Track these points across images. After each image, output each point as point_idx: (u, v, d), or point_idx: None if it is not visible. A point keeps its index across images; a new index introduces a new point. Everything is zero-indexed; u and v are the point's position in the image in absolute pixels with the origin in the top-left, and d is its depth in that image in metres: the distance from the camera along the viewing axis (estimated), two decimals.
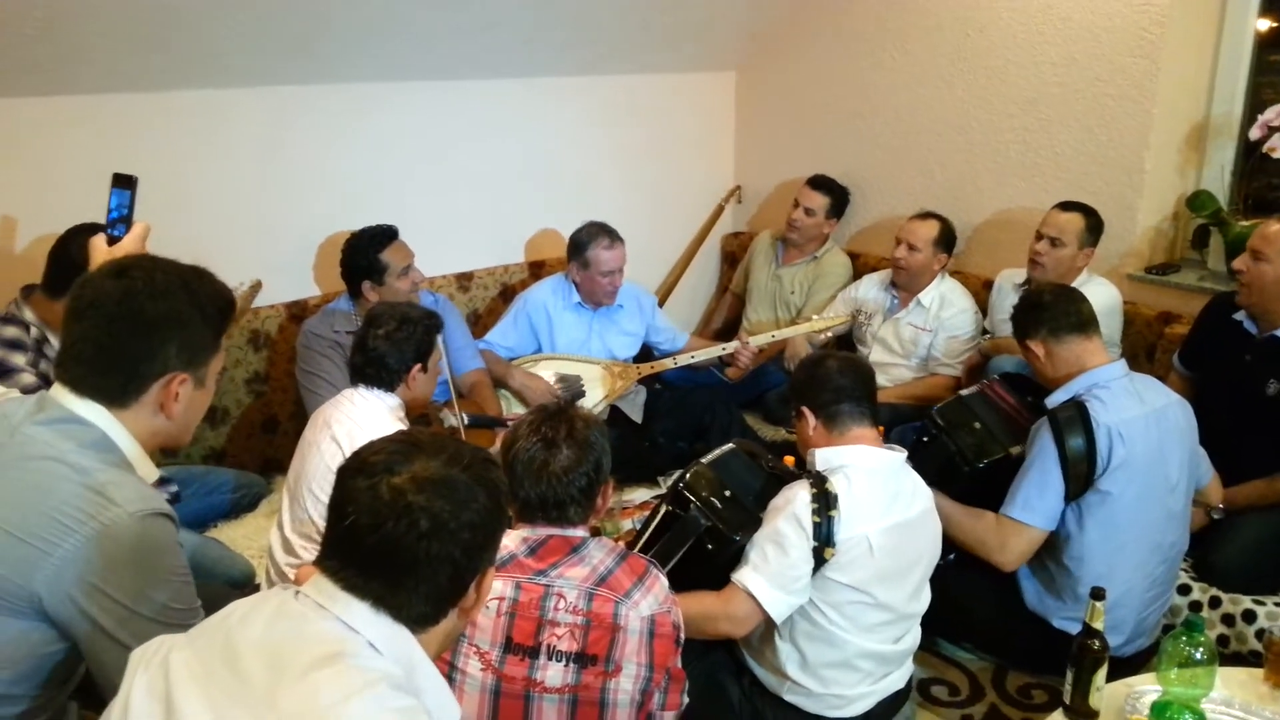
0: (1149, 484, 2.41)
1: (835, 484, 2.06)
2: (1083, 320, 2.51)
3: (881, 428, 2.55)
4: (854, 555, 2.05)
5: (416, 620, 1.19)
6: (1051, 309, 2.52)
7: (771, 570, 2.04)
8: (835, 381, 2.18)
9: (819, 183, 4.15)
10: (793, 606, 2.07)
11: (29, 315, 2.56)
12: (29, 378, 2.48)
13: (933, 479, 2.29)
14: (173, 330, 1.48)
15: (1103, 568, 2.40)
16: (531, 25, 3.63)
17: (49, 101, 2.92)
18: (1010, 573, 2.52)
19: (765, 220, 4.72)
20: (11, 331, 2.53)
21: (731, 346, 3.71)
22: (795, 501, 2.05)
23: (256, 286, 3.23)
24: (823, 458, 2.16)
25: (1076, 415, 2.40)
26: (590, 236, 3.55)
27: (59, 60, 2.80)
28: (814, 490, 2.05)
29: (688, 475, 2.26)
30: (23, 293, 2.61)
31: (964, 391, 2.90)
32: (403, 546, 1.15)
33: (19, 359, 2.50)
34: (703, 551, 2.19)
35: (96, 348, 1.46)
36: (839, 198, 4.18)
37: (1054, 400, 2.50)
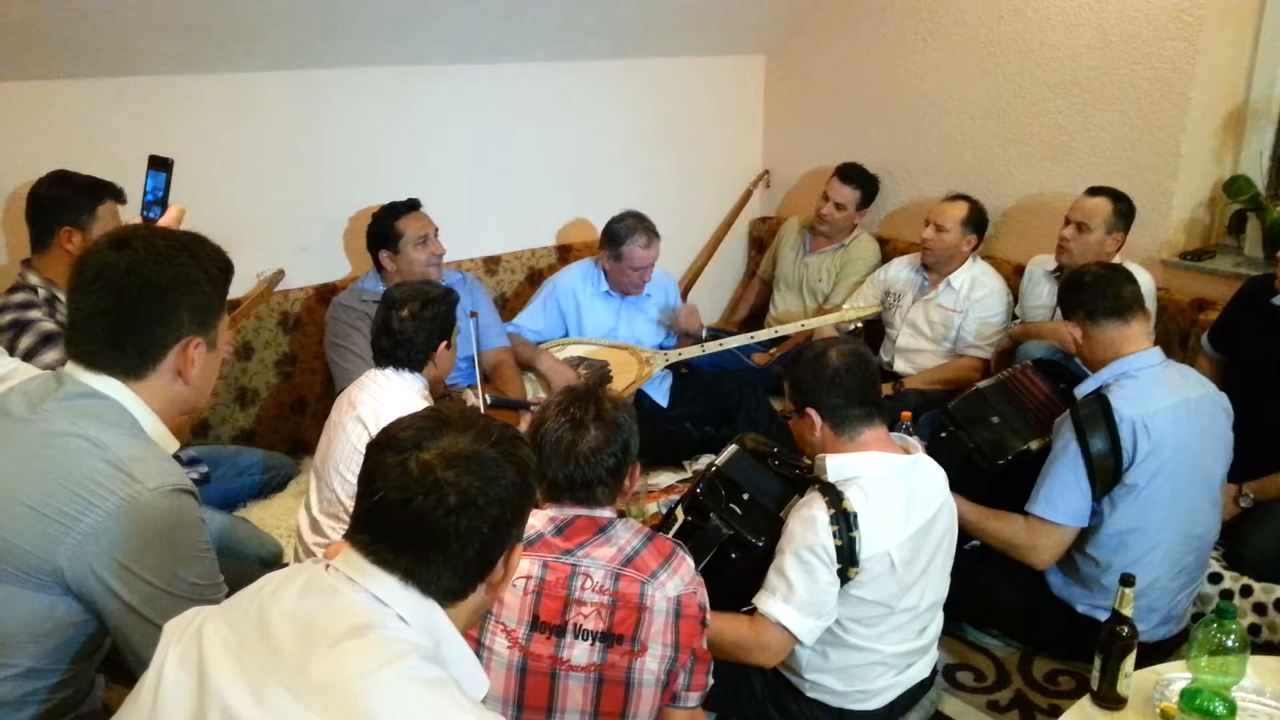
0: (1179, 476, 2.37)
1: (852, 500, 2.00)
2: (1122, 305, 2.43)
3: (909, 414, 2.54)
4: (876, 572, 2.02)
5: (444, 594, 1.19)
6: (1090, 290, 2.45)
7: (800, 599, 2.00)
8: (844, 383, 2.07)
9: (849, 175, 4.10)
10: (823, 629, 2.05)
11: (34, 279, 2.61)
12: (48, 324, 2.52)
13: (953, 477, 2.24)
14: (183, 294, 1.48)
15: (1130, 557, 2.37)
16: (561, 9, 3.63)
17: (83, 84, 2.95)
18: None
19: (794, 205, 4.70)
20: (20, 296, 2.58)
21: (762, 334, 3.70)
22: (816, 525, 1.98)
23: (279, 275, 3.26)
24: (834, 468, 2.08)
25: (1099, 411, 2.35)
26: (629, 231, 3.52)
27: (94, 43, 2.83)
28: (831, 511, 1.99)
29: (702, 484, 2.22)
30: (23, 264, 2.65)
31: (981, 384, 2.86)
32: (431, 521, 1.15)
33: (33, 313, 2.54)
34: (726, 559, 2.17)
35: (110, 320, 1.46)
36: (869, 189, 4.13)
37: (1082, 390, 2.46)
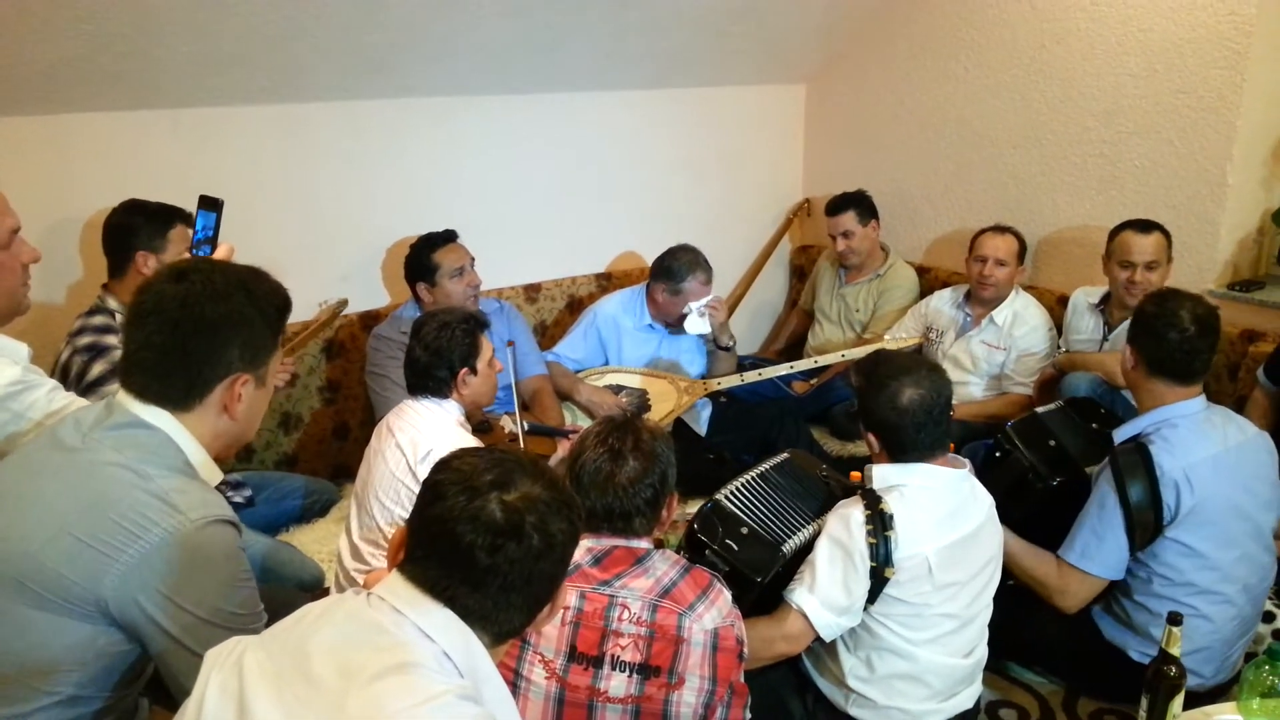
0: (1227, 528, 2.30)
1: (890, 503, 2.03)
2: (1192, 374, 2.34)
3: (952, 444, 2.52)
4: (914, 575, 2.03)
5: (507, 634, 1.22)
6: (1173, 349, 2.31)
7: (824, 592, 2.03)
8: (909, 423, 2.07)
9: (836, 207, 4.07)
10: (843, 628, 2.06)
11: (113, 303, 2.67)
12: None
13: (1004, 496, 2.23)
14: (234, 331, 1.50)
15: (1183, 610, 2.31)
16: (604, 40, 3.66)
17: (135, 115, 3.03)
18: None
19: None
20: (99, 319, 2.66)
21: (801, 364, 3.69)
22: (850, 523, 2.02)
23: (341, 304, 3.31)
24: (880, 475, 2.12)
25: (1139, 460, 2.29)
26: (689, 269, 3.53)
27: (146, 76, 2.90)
28: (868, 512, 2.02)
29: (699, 519, 2.20)
30: (103, 288, 2.73)
31: (1040, 409, 2.84)
32: (520, 565, 1.18)
33: (110, 339, 2.61)
34: None
35: (160, 353, 1.47)
36: (860, 204, 4.06)
37: (1121, 434, 2.41)
